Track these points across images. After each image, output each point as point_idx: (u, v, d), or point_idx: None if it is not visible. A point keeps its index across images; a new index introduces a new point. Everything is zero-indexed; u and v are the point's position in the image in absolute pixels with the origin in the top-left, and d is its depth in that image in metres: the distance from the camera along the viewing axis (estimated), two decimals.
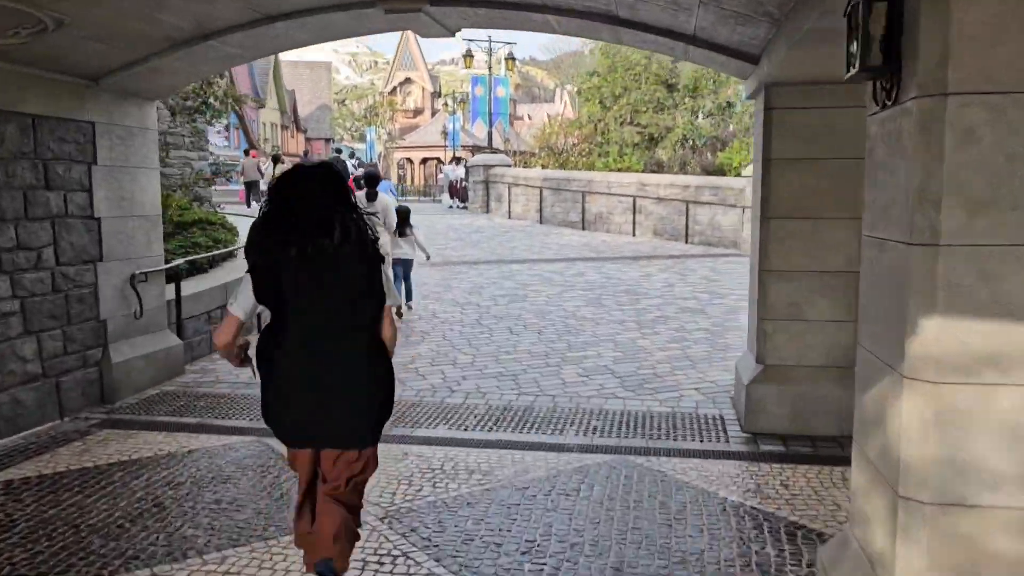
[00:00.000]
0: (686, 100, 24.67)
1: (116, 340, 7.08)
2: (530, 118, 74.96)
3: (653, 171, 23.03)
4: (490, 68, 26.24)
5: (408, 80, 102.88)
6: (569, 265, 15.57)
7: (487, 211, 26.56)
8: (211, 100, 12.42)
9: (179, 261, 8.26)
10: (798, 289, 5.92)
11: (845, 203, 5.75)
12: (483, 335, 9.48)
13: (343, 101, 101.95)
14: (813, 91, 5.75)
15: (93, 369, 6.86)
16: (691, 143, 24.56)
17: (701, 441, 5.87)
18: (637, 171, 23.27)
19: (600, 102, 25.58)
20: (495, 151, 27.47)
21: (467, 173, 27.80)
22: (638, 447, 5.73)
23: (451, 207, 31.23)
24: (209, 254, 9.52)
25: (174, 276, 8.01)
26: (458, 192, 30.71)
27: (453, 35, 7.11)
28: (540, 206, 23.45)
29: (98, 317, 6.90)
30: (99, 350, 6.92)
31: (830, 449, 5.66)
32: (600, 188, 21.81)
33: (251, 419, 6.41)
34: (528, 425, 6.26)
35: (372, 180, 10.99)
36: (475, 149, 71.61)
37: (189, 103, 12.49)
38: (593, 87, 25.83)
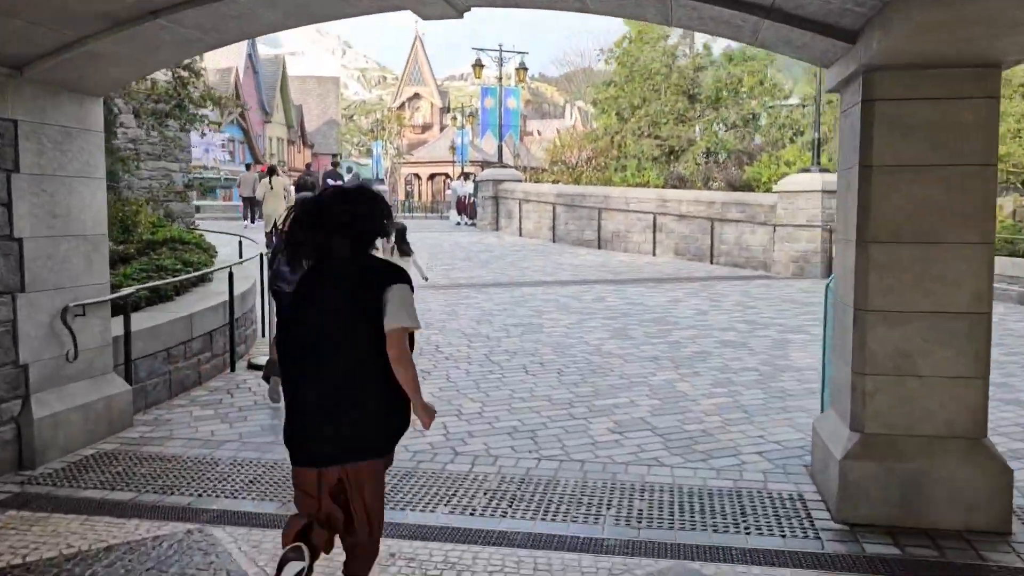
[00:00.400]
0: (708, 112, 23.28)
1: (41, 389, 5.72)
2: (540, 134, 73.82)
3: (674, 186, 21.66)
4: (500, 78, 24.97)
5: (417, 95, 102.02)
6: (587, 288, 14.20)
7: (497, 228, 25.23)
8: (186, 103, 10.98)
9: (130, 289, 6.91)
10: (909, 335, 4.52)
11: (970, 222, 4.38)
12: (493, 375, 8.10)
13: (351, 116, 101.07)
14: (932, 77, 4.39)
15: (8, 427, 5.51)
16: (715, 157, 23.14)
17: (783, 536, 4.46)
18: (657, 186, 21.93)
19: (617, 113, 24.19)
20: (505, 166, 26.17)
21: (476, 189, 26.51)
22: (700, 545, 4.34)
23: (459, 224, 29.93)
24: (175, 279, 8.18)
25: (125, 307, 6.66)
26: (466, 209, 29.43)
27: (461, 16, 5.77)
28: (553, 223, 22.11)
29: (16, 361, 5.55)
30: (17, 402, 5.57)
31: (959, 550, 4.24)
32: (617, 204, 20.47)
33: (198, 493, 5.04)
34: (552, 507, 4.87)
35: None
36: (484, 164, 70.63)
37: (161, 106, 11.11)
38: (609, 97, 24.43)
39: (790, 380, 7.88)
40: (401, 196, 72.80)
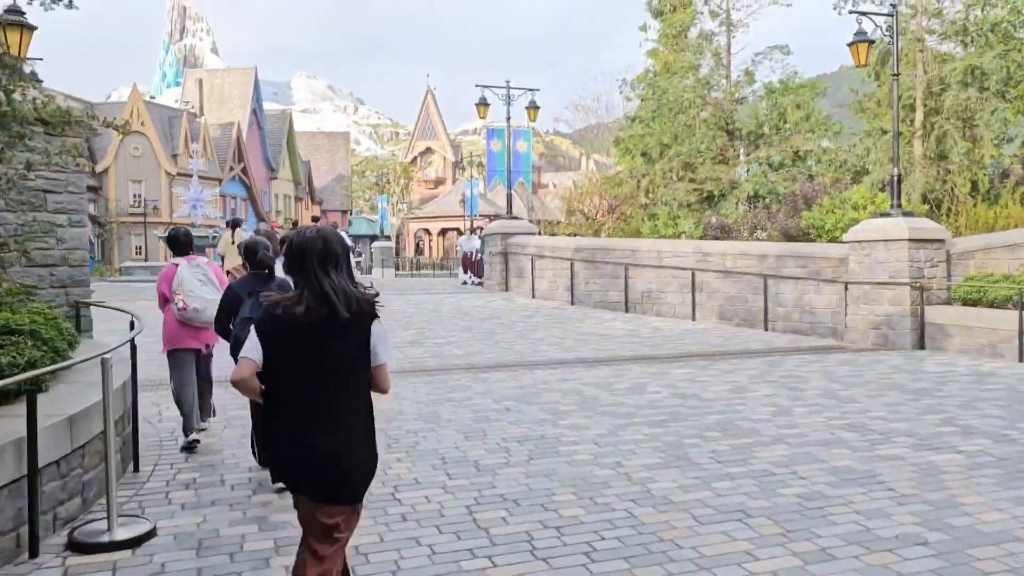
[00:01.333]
0: (749, 149, 20.04)
1: None
2: (555, 186, 71.06)
3: (716, 237, 18.40)
4: (508, 118, 21.94)
5: (429, 150, 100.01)
6: (619, 371, 10.87)
7: (506, 289, 22.00)
8: (7, 118, 7.38)
9: None
10: None
11: None
12: (478, 560, 4.73)
13: (363, 172, 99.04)
14: None
15: None
16: (763, 201, 19.71)
17: None
18: (695, 237, 18.69)
19: (643, 154, 20.95)
20: (515, 217, 23.01)
21: (483, 244, 23.35)
22: None
23: (465, 283, 26.76)
24: None
25: None
26: (473, 266, 26.27)
27: None
28: (571, 283, 18.85)
29: None
30: None
31: None
32: (648, 259, 17.21)
33: None
34: None
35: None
36: (495, 218, 67.80)
37: None
38: (634, 136, 21.22)
39: (993, 565, 4.47)
40: (410, 252, 70.02)
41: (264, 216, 67.07)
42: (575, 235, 21.96)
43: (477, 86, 22.86)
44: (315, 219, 26.88)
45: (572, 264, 18.87)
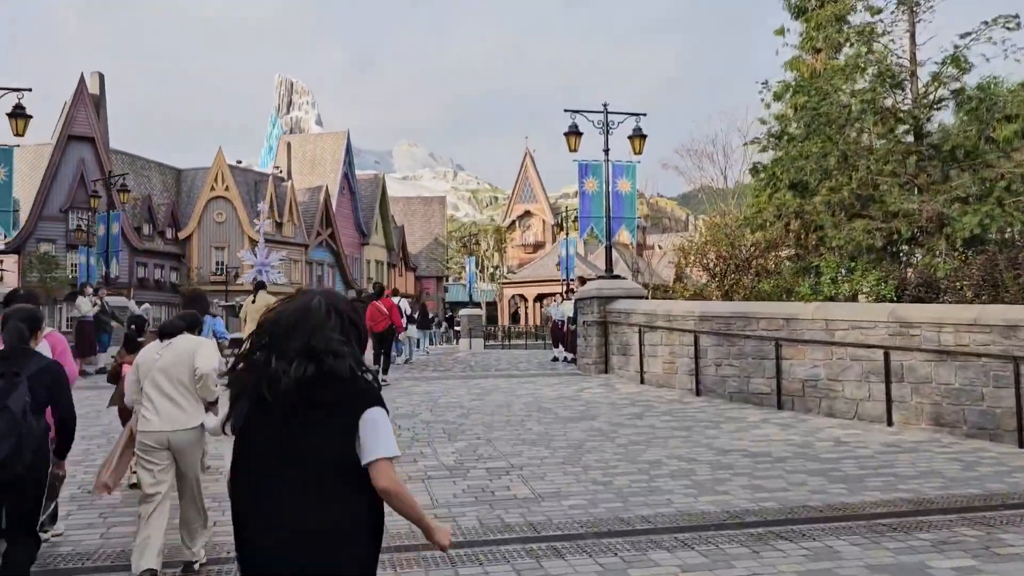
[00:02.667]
0: (954, 171, 14.21)
1: None
2: (661, 248, 65.47)
3: (917, 298, 12.77)
4: (607, 149, 17.08)
5: (527, 213, 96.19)
6: (810, 552, 5.51)
7: (605, 370, 16.82)
8: None
9: None
10: None
11: None
12: None
13: (462, 238, 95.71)
14: None
15: None
16: (996, 245, 13.75)
17: None
18: (888, 298, 13.17)
19: (794, 185, 15.34)
20: (616, 276, 17.88)
21: (576, 310, 18.30)
22: None
23: (555, 360, 21.69)
24: None
25: None
26: (565, 338, 21.22)
27: None
28: (696, 365, 13.53)
29: None
30: None
31: None
32: (811, 332, 11.79)
33: None
34: None
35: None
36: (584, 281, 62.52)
37: None
38: (782, 159, 15.62)
39: None
40: (504, 320, 65.42)
41: (352, 283, 63.91)
42: (699, 297, 16.75)
43: (566, 111, 18.11)
44: (378, 284, 22.36)
45: (696, 338, 13.56)
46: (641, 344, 15.16)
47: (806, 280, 13.19)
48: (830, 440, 9.93)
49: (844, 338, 11.34)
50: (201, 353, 5.51)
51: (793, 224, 15.51)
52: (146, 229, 50.40)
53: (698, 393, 13.50)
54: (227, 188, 51.76)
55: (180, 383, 5.40)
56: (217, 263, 51.92)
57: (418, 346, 27.12)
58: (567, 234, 34.26)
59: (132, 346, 7.78)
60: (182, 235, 51.86)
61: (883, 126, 14.60)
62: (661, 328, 14.63)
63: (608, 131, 17.85)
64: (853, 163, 13.87)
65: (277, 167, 64.34)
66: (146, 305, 22.10)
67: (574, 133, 17.98)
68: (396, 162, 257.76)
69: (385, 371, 15.85)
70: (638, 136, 18.07)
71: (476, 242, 41.43)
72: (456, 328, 55.63)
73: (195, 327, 5.93)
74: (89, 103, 46.84)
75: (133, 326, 9.29)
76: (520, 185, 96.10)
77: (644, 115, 18.27)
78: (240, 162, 56.47)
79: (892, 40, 14.94)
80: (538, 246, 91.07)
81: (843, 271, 13.62)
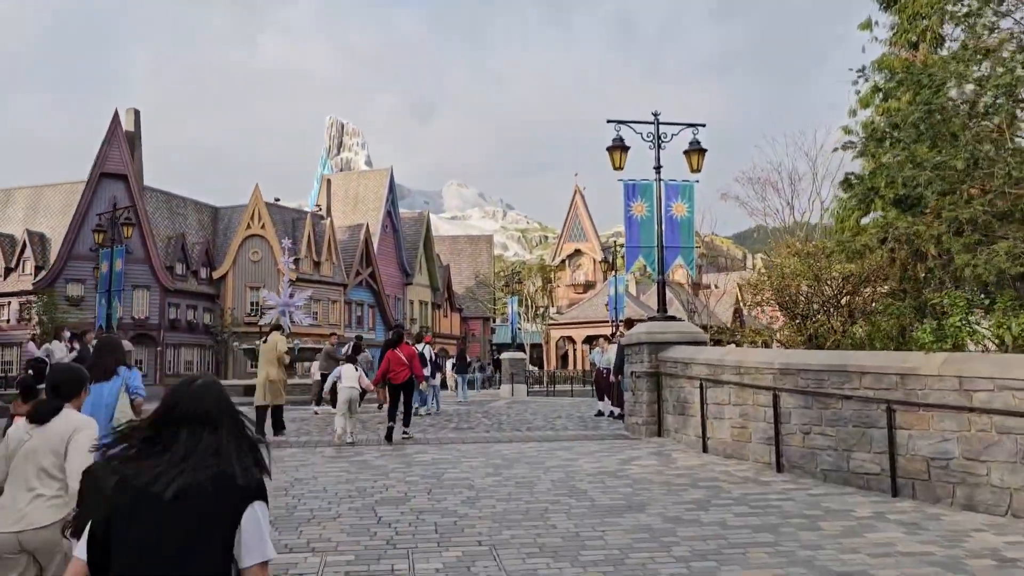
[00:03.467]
0: None
1: None
2: (718, 287, 62.00)
3: None
4: (659, 167, 14.28)
5: (578, 252, 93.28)
6: None
7: (658, 432, 13.82)
8: None
9: None
10: None
11: None
12: None
13: (504, 277, 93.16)
14: None
15: None
16: None
17: None
18: None
19: (900, 200, 11.89)
20: (670, 317, 14.89)
21: (622, 358, 15.36)
22: None
23: (600, 414, 18.75)
24: None
25: None
26: (610, 389, 18.28)
27: None
28: (776, 432, 10.49)
29: None
30: None
31: None
32: (938, 393, 8.70)
33: None
34: None
35: None
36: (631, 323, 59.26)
37: None
38: (889, 167, 12.06)
39: None
40: (551, 364, 62.37)
41: (394, 323, 61.51)
42: (770, 343, 13.75)
43: (610, 122, 15.37)
44: (397, 328, 19.72)
45: (776, 397, 10.54)
46: (703, 402, 12.15)
47: (925, 324, 10.12)
48: (986, 554, 6.83)
49: (988, 402, 8.24)
50: (80, 444, 4.26)
51: (900, 252, 12.30)
52: (179, 268, 48.79)
53: (779, 469, 10.43)
54: (263, 226, 50.03)
55: (46, 472, 4.31)
56: (252, 303, 49.98)
57: (457, 392, 24.63)
58: (616, 271, 31.38)
59: (28, 394, 6.26)
60: (216, 275, 50.17)
61: None
62: (729, 383, 11.62)
63: (659, 144, 15.05)
64: (987, 169, 10.78)
65: (318, 205, 62.70)
66: (47, 346, 19.69)
67: (619, 148, 15.19)
68: (446, 202, 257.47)
69: (406, 424, 14.41)
70: (696, 151, 15.21)
71: (519, 280, 38.57)
72: (481, 374, 52.98)
73: (73, 396, 4.58)
74: (123, 140, 45.64)
75: (30, 371, 7.41)
76: (570, 223, 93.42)
77: (703, 126, 15.44)
78: (278, 199, 54.84)
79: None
80: (588, 286, 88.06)
81: (977, 309, 10.50)
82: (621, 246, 31.78)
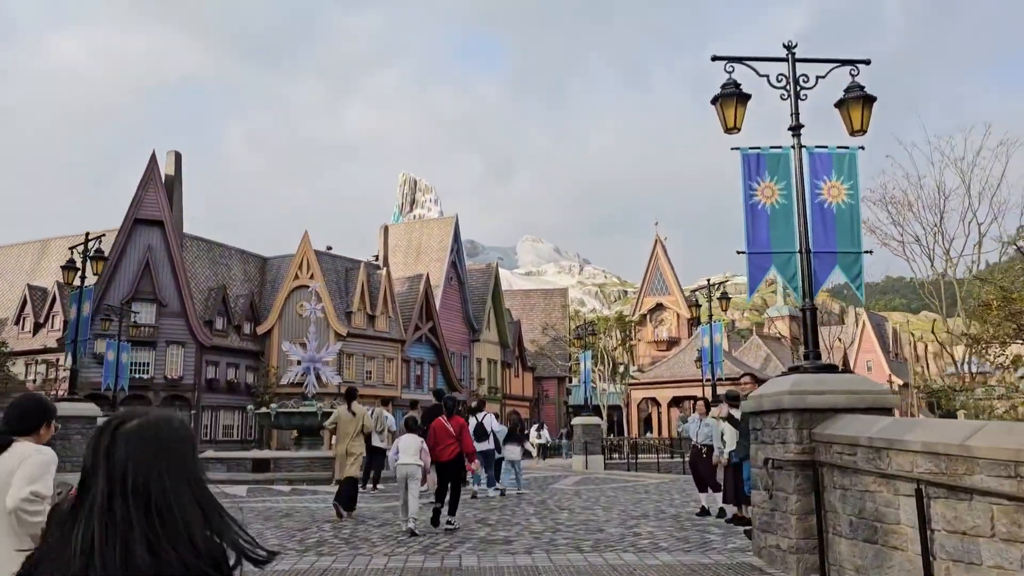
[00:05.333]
0: None
1: None
2: (825, 338, 54.85)
3: None
4: (797, 125, 8.44)
5: (659, 306, 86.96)
6: None
7: (821, 569, 7.82)
8: None
9: None
10: None
11: None
12: None
13: (576, 330, 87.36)
14: None
15: None
16: None
17: None
18: None
19: None
20: (826, 366, 8.86)
21: (742, 428, 9.44)
22: None
23: (705, 513, 12.85)
24: None
25: None
26: (711, 475, 12.36)
27: None
28: None
29: None
30: None
31: None
32: None
33: None
34: None
35: None
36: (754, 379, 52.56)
37: None
38: None
39: None
40: (633, 430, 55.74)
41: (457, 384, 56.18)
42: None
43: (716, 59, 9.79)
44: (438, 395, 14.83)
45: None
46: (926, 528, 6.22)
47: None
48: None
49: None
50: (21, 471, 3.66)
51: None
52: (219, 323, 44.58)
53: None
54: (312, 276, 45.65)
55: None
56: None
57: (511, 473, 19.05)
58: (710, 317, 25.38)
59: None
60: (261, 330, 45.81)
61: None
62: (992, 494, 5.69)
63: (797, 91, 9.41)
64: None
65: (375, 256, 58.37)
66: None
67: (733, 96, 9.56)
68: (520, 257, 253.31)
69: (452, 511, 11.96)
70: (858, 99, 9.47)
71: (593, 332, 32.99)
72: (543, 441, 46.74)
73: (29, 431, 3.92)
74: (160, 184, 42.10)
75: None
76: (651, 275, 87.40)
77: (865, 63, 9.72)
78: (330, 248, 50.52)
79: None
80: (672, 343, 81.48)
81: None
82: (716, 285, 25.82)
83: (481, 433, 16.05)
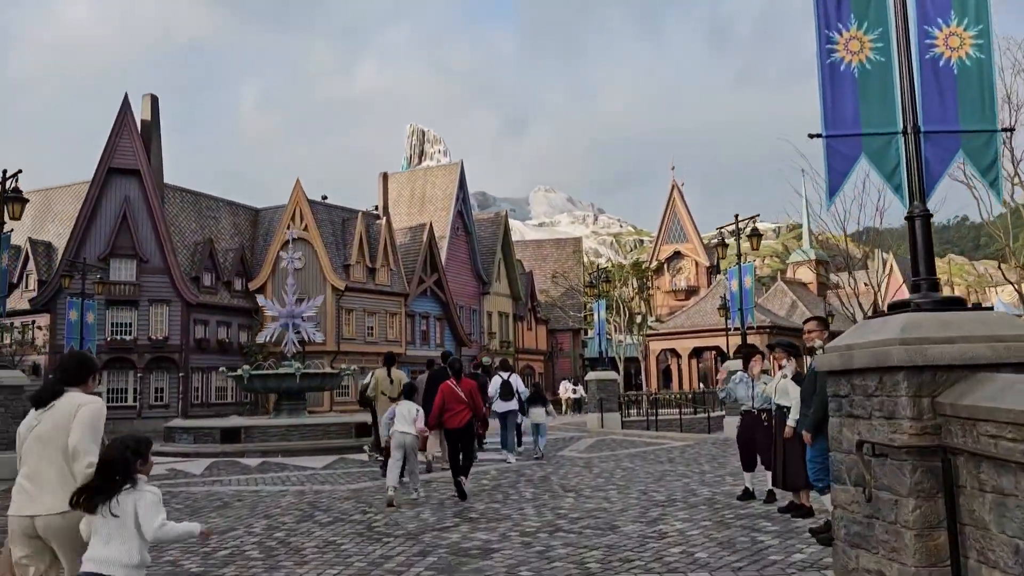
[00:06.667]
0: None
1: None
2: (851, 284, 51.43)
3: None
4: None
5: (677, 254, 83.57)
6: None
7: None
8: None
9: None
10: None
11: None
12: None
13: (589, 277, 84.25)
14: None
15: None
16: None
17: None
18: None
19: None
20: (954, 301, 5.78)
21: (809, 390, 6.45)
22: None
23: (749, 496, 9.96)
24: None
25: None
26: (769, 452, 9.38)
27: None
28: None
29: None
30: None
31: None
32: None
33: None
34: None
35: None
36: (775, 331, 49.29)
37: None
38: None
39: None
40: (652, 383, 53.04)
41: (466, 339, 53.50)
42: None
43: None
44: (445, 357, 12.39)
45: None
46: None
47: None
48: None
49: None
50: (81, 417, 4.32)
51: None
52: (207, 279, 41.84)
53: None
54: (306, 227, 42.74)
55: (58, 456, 4.29)
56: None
57: (535, 435, 17.47)
58: (739, 257, 22.27)
59: None
60: (253, 286, 43.07)
61: None
62: None
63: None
64: None
65: (375, 206, 55.29)
66: None
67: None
68: (533, 208, 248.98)
69: (465, 472, 11.28)
70: None
71: (607, 279, 30.07)
72: (575, 395, 44.33)
73: (79, 381, 4.60)
74: (134, 130, 39.04)
75: None
76: (667, 223, 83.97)
77: None
78: (325, 197, 47.51)
79: None
80: (691, 292, 78.36)
81: None
82: (745, 222, 22.64)
83: (507, 392, 15.90)
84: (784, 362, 8.97)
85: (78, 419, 4.24)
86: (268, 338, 24.64)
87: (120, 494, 3.95)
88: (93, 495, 3.95)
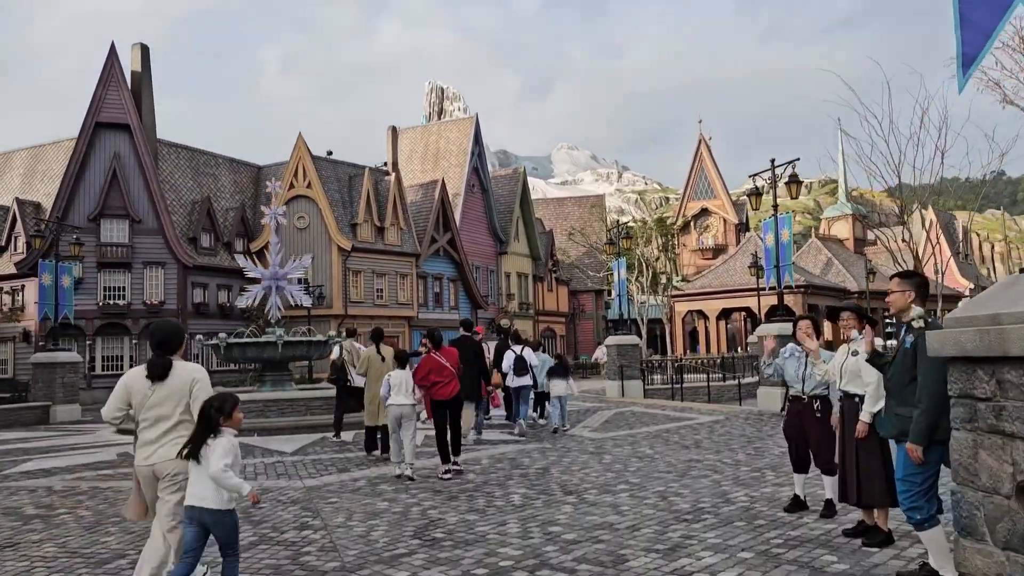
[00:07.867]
0: None
1: None
2: (905, 241, 48.40)
3: None
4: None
5: (704, 211, 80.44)
6: None
7: None
8: None
9: None
10: None
11: None
12: None
13: (609, 233, 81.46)
14: None
15: None
16: None
17: None
18: None
19: None
20: None
21: (936, 370, 4.02)
22: None
23: (799, 507, 7.51)
24: None
25: None
26: (830, 449, 6.95)
27: None
28: None
29: None
30: None
31: None
32: None
33: None
34: None
35: None
36: (812, 289, 46.37)
37: None
38: None
39: None
40: (678, 347, 50.53)
41: (482, 302, 51.24)
42: None
43: None
44: (466, 325, 11.81)
45: None
46: None
47: None
48: None
49: None
50: (197, 395, 5.17)
51: None
52: (205, 240, 39.73)
53: None
54: (309, 184, 40.43)
55: (171, 418, 5.21)
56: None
57: (558, 407, 15.78)
58: (775, 207, 19.68)
59: None
60: (255, 247, 40.94)
61: None
62: None
63: None
64: None
65: (385, 163, 52.75)
66: None
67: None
68: (555, 167, 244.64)
69: (455, 452, 11.04)
70: None
71: (628, 235, 27.78)
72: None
73: (176, 350, 5.37)
74: (123, 82, 36.68)
75: None
76: (694, 179, 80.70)
77: None
78: (331, 153, 45.08)
79: None
80: (719, 251, 75.38)
81: None
82: (782, 167, 20.01)
83: (521, 367, 15.54)
84: (854, 333, 6.52)
85: (196, 395, 5.12)
86: (251, 302, 22.45)
87: (208, 444, 4.89)
88: (191, 446, 4.91)
